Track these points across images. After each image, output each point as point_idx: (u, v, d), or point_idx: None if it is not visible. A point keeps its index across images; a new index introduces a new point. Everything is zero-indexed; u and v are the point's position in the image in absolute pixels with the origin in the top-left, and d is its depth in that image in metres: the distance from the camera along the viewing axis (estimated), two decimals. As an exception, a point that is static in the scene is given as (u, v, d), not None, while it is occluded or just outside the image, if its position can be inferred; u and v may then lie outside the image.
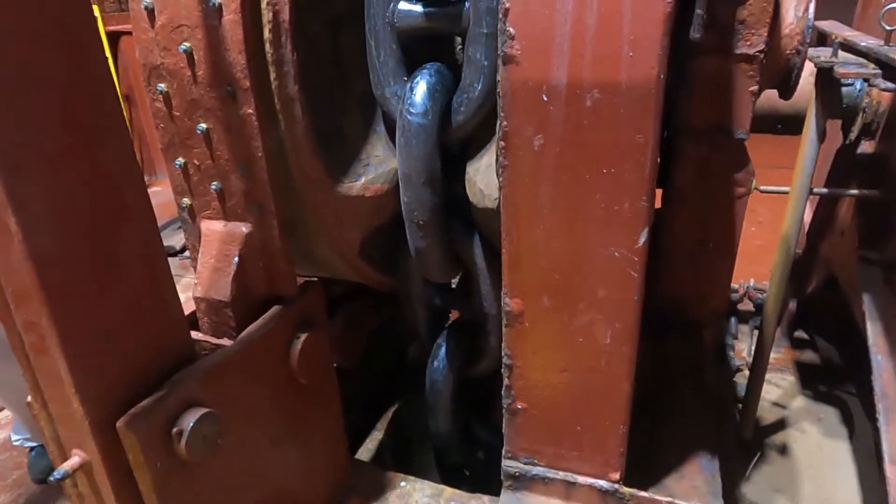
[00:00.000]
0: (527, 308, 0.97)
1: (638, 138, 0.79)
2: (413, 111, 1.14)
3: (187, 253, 1.36)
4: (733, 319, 3.16)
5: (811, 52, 1.85)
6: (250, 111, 1.12)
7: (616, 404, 1.01)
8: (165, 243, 3.92)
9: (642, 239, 0.85)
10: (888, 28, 1.63)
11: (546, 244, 0.91)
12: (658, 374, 1.57)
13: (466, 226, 1.36)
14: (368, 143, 1.40)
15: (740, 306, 3.20)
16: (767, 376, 2.78)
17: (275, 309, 1.30)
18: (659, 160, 1.35)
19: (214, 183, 1.22)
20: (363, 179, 1.36)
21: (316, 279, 1.46)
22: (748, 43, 1.29)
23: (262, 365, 1.26)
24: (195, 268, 1.29)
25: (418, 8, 1.19)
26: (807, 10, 1.34)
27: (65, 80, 0.83)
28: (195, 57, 1.11)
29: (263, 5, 1.11)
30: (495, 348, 1.45)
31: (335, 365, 1.77)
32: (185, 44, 1.11)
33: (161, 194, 4.65)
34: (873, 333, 1.85)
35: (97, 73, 0.87)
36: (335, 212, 1.36)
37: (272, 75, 1.16)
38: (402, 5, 1.20)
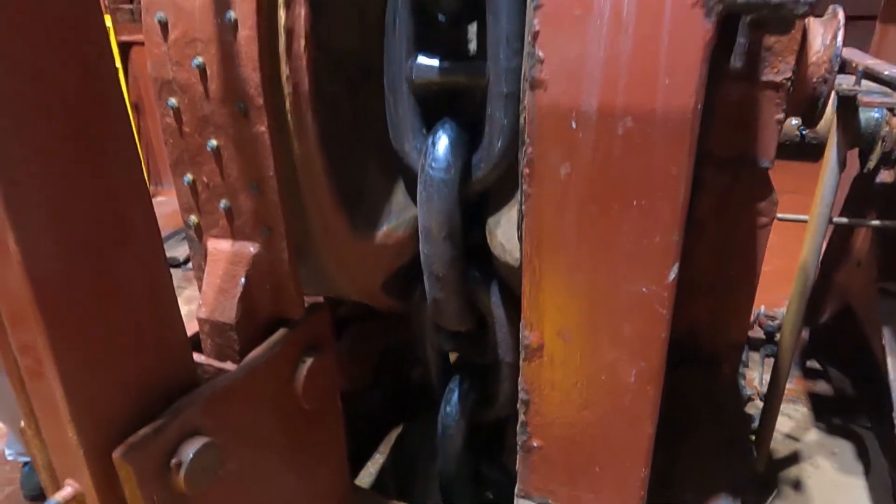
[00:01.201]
0: (547, 342, 0.93)
1: (671, 170, 0.75)
2: (435, 166, 1.14)
3: (190, 264, 1.32)
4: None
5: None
6: (263, 129, 1.09)
7: (638, 446, 0.96)
8: (169, 254, 3.89)
9: (672, 274, 0.81)
10: (914, 58, 1.59)
11: (569, 276, 0.87)
12: (674, 408, 1.52)
13: (484, 274, 1.34)
14: (388, 191, 1.38)
15: (751, 333, 3.14)
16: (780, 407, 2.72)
17: (281, 332, 1.25)
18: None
19: (223, 201, 1.18)
20: (385, 227, 1.34)
21: (322, 300, 1.42)
22: (775, 70, 1.25)
23: (266, 390, 1.22)
24: (200, 287, 1.25)
25: (436, 63, 1.18)
26: (835, 37, 1.31)
27: (72, 94, 0.80)
28: (208, 72, 1.08)
29: (283, 78, 1.10)
30: (509, 395, 1.41)
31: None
32: (199, 58, 1.07)
33: (167, 204, 4.63)
34: (894, 368, 1.80)
35: (106, 88, 0.84)
36: (358, 260, 1.35)
37: (294, 144, 1.15)
38: (421, 60, 1.19)
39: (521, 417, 1.06)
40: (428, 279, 1.26)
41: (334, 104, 1.22)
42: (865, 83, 1.75)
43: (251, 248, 1.20)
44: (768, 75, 1.26)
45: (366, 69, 1.28)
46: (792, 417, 2.64)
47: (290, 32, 1.10)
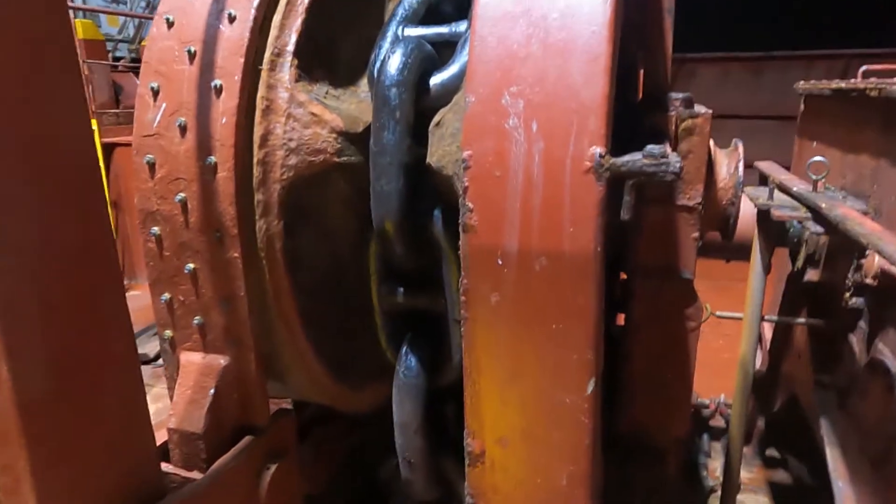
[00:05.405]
0: (488, 448, 1.03)
1: (581, 300, 0.90)
2: (407, 373, 1.36)
3: (160, 361, 1.42)
4: (706, 436, 3.18)
5: (752, 191, 2.05)
6: (236, 255, 1.22)
7: (574, 545, 1.04)
8: (140, 350, 3.90)
9: (590, 387, 0.93)
10: (814, 177, 1.83)
11: (503, 389, 0.98)
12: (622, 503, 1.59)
13: None
14: (378, 351, 1.52)
15: (712, 422, 3.23)
16: (740, 497, 2.77)
17: (246, 440, 1.32)
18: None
19: (197, 317, 1.29)
20: (376, 382, 1.53)
21: (287, 406, 1.50)
22: (687, 196, 1.45)
23: (231, 499, 1.27)
24: (171, 397, 1.32)
25: (401, 288, 1.41)
26: (737, 168, 1.52)
27: (71, 249, 0.92)
28: (189, 205, 1.22)
29: (256, 212, 1.26)
30: None
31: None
32: (181, 194, 1.22)
33: (140, 298, 4.66)
34: (832, 458, 1.90)
35: (102, 243, 0.97)
36: (354, 403, 1.57)
37: (265, 269, 1.29)
38: (388, 287, 1.42)
39: (469, 521, 1.14)
40: (402, 462, 1.42)
41: (320, 292, 1.40)
42: (779, 196, 1.98)
43: (221, 361, 1.29)
44: (682, 200, 1.45)
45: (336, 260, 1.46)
46: (753, 508, 2.68)
47: (263, 165, 1.25)
